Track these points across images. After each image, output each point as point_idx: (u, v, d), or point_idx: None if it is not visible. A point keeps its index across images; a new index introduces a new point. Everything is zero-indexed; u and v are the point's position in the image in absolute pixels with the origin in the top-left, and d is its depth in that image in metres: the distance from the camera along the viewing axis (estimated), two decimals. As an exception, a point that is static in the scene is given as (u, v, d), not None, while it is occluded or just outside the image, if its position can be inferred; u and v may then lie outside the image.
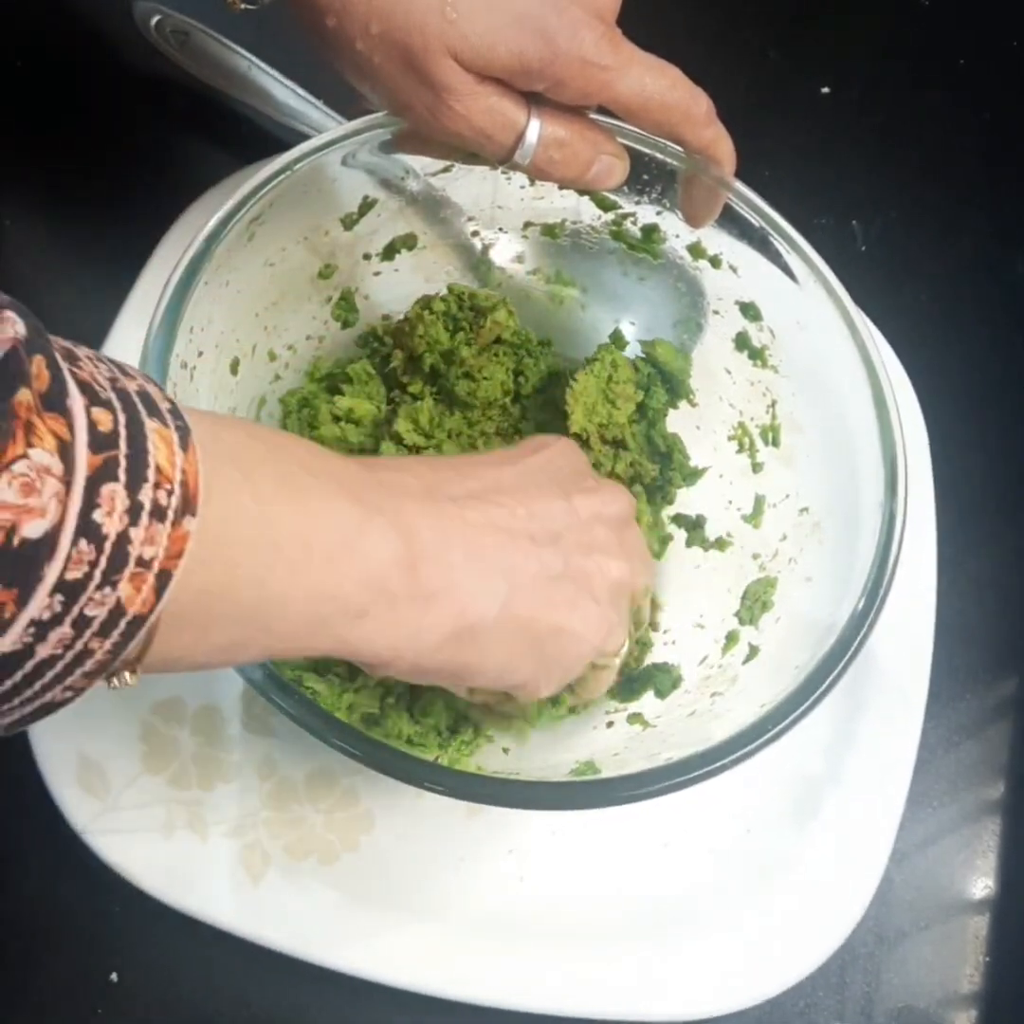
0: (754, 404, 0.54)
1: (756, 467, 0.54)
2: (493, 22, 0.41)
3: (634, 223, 0.53)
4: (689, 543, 0.55)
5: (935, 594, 0.57)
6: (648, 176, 0.50)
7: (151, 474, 0.26)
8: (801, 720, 0.42)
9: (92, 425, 0.26)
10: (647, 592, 0.45)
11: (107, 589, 0.26)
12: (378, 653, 0.34)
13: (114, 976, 0.49)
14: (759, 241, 0.50)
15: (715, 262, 0.52)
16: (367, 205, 0.51)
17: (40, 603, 0.25)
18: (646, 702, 0.50)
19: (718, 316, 0.54)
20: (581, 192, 0.51)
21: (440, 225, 0.54)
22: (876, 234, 0.70)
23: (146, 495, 0.26)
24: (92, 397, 0.26)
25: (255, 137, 0.65)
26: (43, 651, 0.26)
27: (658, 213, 0.52)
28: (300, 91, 0.63)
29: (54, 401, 0.25)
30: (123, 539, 0.26)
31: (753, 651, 0.48)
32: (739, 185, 0.49)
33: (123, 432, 0.26)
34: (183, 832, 0.48)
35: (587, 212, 0.53)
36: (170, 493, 0.27)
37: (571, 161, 0.45)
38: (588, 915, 0.50)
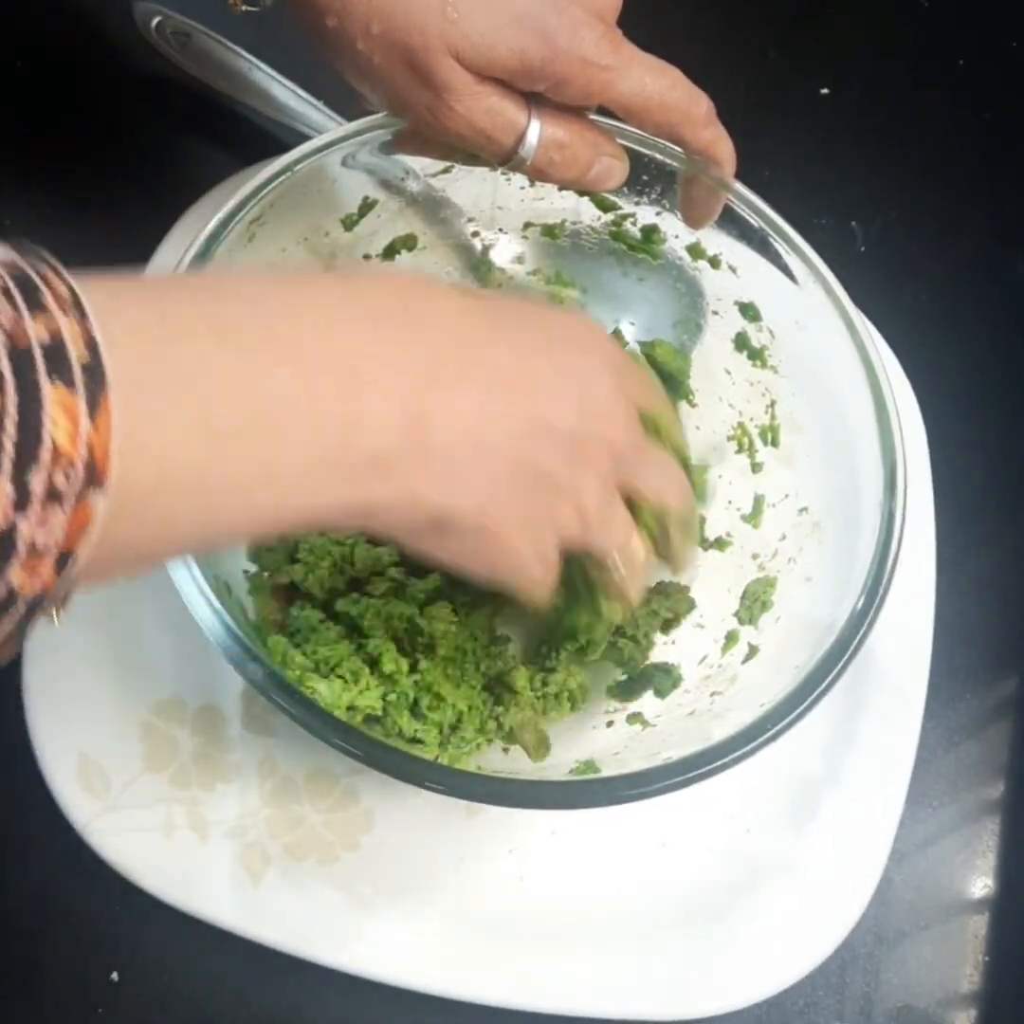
0: (753, 404, 0.54)
1: (755, 467, 0.54)
2: (494, 22, 0.41)
3: (634, 224, 0.53)
4: (689, 543, 0.55)
5: (935, 594, 0.57)
6: (648, 177, 0.50)
7: (44, 455, 0.24)
8: (800, 720, 0.42)
9: None
10: (688, 496, 0.42)
11: None
12: (371, 531, 0.34)
13: (114, 976, 0.49)
14: (758, 242, 0.50)
15: (714, 263, 0.52)
16: (367, 206, 0.51)
17: None
18: (646, 702, 0.50)
19: (717, 316, 0.54)
20: (581, 193, 0.51)
21: (440, 226, 0.54)
22: (876, 234, 0.70)
23: (38, 480, 0.24)
24: None
25: (255, 138, 0.65)
26: None
27: (658, 214, 0.52)
28: (300, 92, 0.63)
29: None
30: (9, 529, 0.24)
31: (752, 651, 0.49)
32: (739, 186, 0.49)
33: (12, 411, 0.24)
34: (183, 832, 0.48)
35: (587, 213, 0.53)
36: (69, 474, 0.25)
37: (571, 162, 0.45)
38: (588, 915, 0.50)
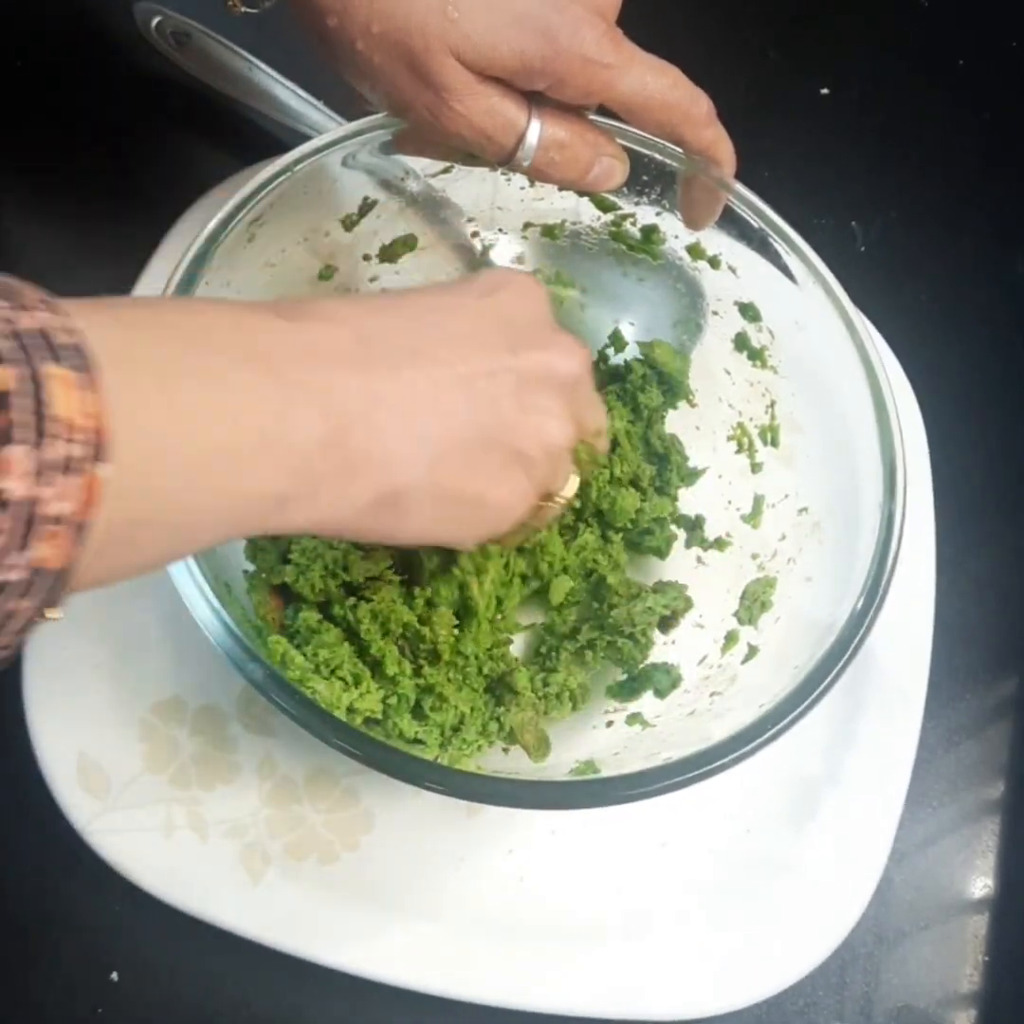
0: (753, 404, 0.54)
1: (755, 467, 0.54)
2: (494, 21, 0.41)
3: (633, 224, 0.53)
4: (688, 543, 0.55)
5: (934, 594, 0.57)
6: (648, 177, 0.50)
7: (54, 427, 0.25)
8: (800, 720, 0.42)
9: None
10: (599, 434, 0.44)
11: (21, 553, 0.25)
12: (300, 528, 0.34)
13: (114, 976, 0.49)
14: (758, 242, 0.50)
15: (714, 263, 0.52)
16: (367, 206, 0.51)
17: None
18: (645, 702, 0.50)
19: (717, 317, 0.54)
20: (581, 193, 0.51)
21: (440, 226, 0.54)
22: (876, 234, 0.70)
23: (52, 451, 0.25)
24: None
25: (255, 138, 0.65)
26: None
27: (658, 214, 0.52)
28: (300, 92, 0.63)
29: None
30: (32, 501, 0.25)
31: (752, 651, 0.49)
32: (739, 186, 0.49)
33: (20, 388, 0.25)
34: (183, 832, 0.48)
35: (587, 213, 0.53)
36: (77, 443, 0.26)
37: (571, 163, 0.45)
38: (588, 915, 0.50)
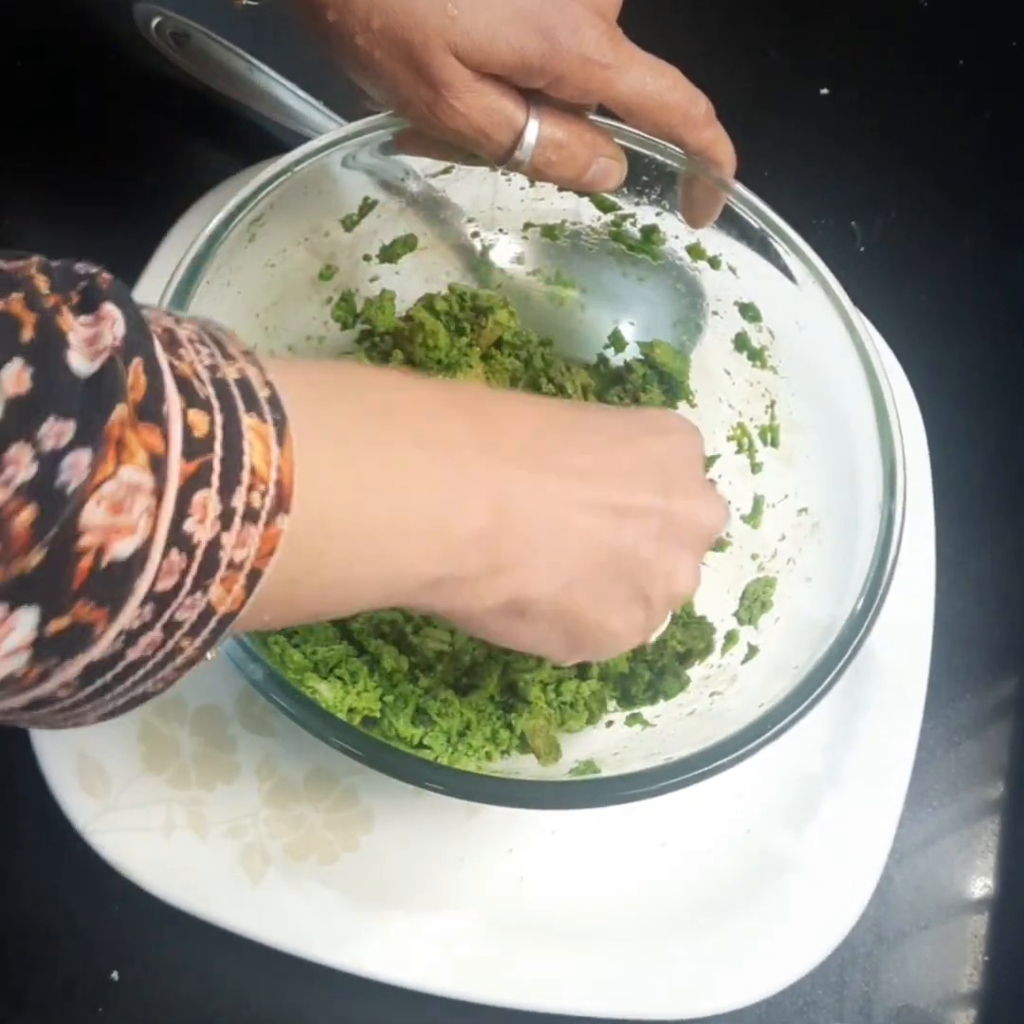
0: (753, 405, 0.54)
1: (755, 467, 0.54)
2: (494, 18, 0.41)
3: (633, 224, 0.53)
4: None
5: (934, 594, 0.57)
6: (647, 177, 0.50)
7: (246, 476, 0.26)
8: (800, 720, 0.42)
9: (187, 430, 0.25)
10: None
11: (198, 594, 0.26)
12: (434, 610, 0.35)
13: (114, 975, 0.49)
14: (758, 242, 0.50)
15: (714, 263, 0.52)
16: (367, 206, 0.51)
17: (130, 615, 0.25)
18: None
19: (717, 317, 0.54)
20: (580, 193, 0.51)
21: (440, 226, 0.54)
22: (876, 234, 0.70)
23: (239, 499, 0.26)
24: (190, 397, 0.25)
25: (255, 138, 0.65)
26: (133, 654, 0.26)
27: (657, 214, 0.52)
28: (300, 93, 0.63)
29: (150, 410, 0.24)
30: (214, 545, 0.25)
31: (752, 651, 0.49)
32: (738, 186, 0.49)
33: (219, 434, 0.26)
34: (183, 832, 0.48)
35: (587, 213, 0.53)
36: (264, 494, 0.26)
37: (569, 162, 0.45)
38: (588, 915, 0.50)
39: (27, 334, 0.23)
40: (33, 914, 0.50)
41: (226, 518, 0.26)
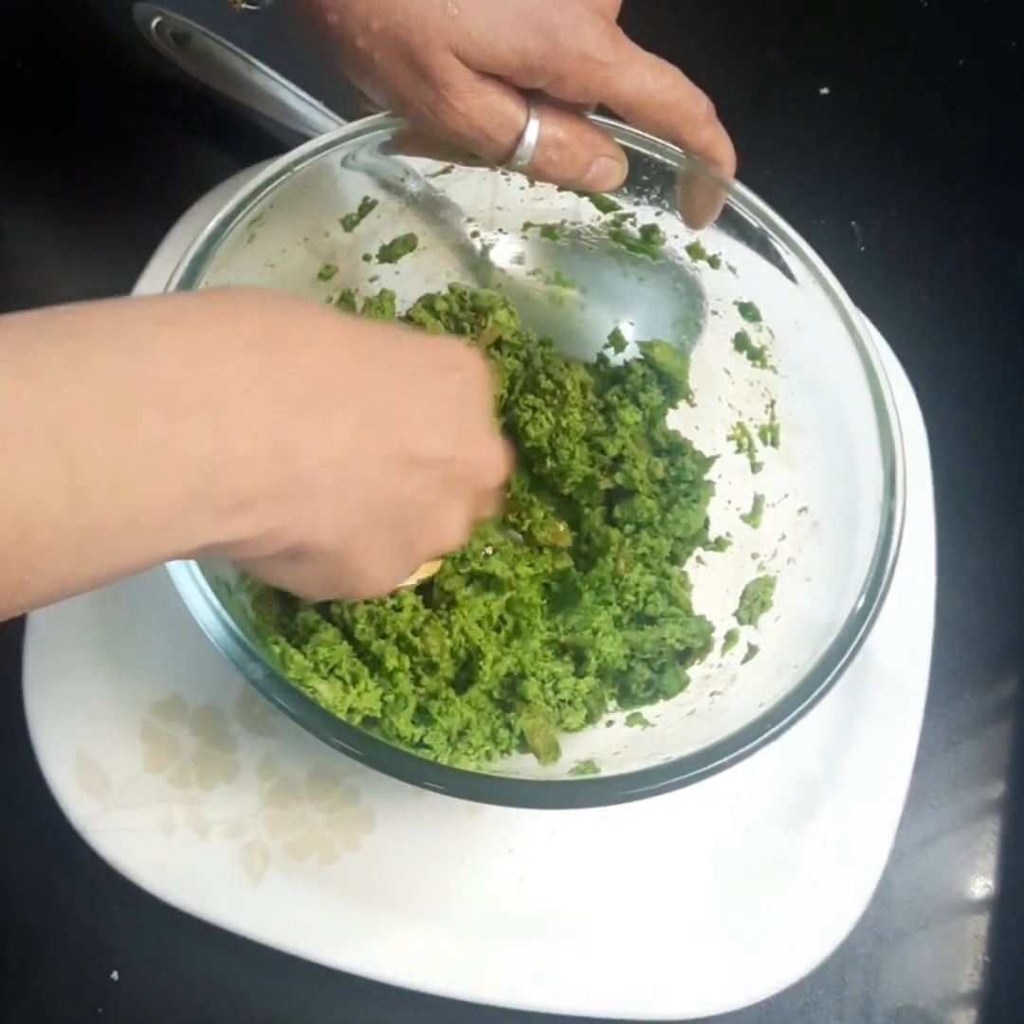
0: (753, 404, 0.54)
1: (755, 467, 0.54)
2: (495, 18, 0.41)
3: (633, 224, 0.53)
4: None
5: (934, 594, 0.57)
6: (647, 177, 0.50)
7: None
8: (800, 719, 0.42)
9: None
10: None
11: None
12: (219, 542, 0.33)
13: (114, 975, 0.49)
14: (758, 242, 0.50)
15: (714, 263, 0.52)
16: (367, 206, 0.51)
17: None
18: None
19: (717, 316, 0.54)
20: (580, 193, 0.51)
21: (440, 226, 0.54)
22: (876, 234, 0.70)
23: None
24: None
25: (255, 138, 0.65)
26: None
27: (657, 214, 0.52)
28: (300, 93, 0.63)
29: None
30: None
31: (752, 651, 0.49)
32: (738, 186, 0.49)
33: None
34: (183, 831, 0.48)
35: (586, 213, 0.53)
36: None
37: (569, 162, 0.45)
38: (588, 915, 0.50)
39: None
40: (33, 914, 0.50)
41: None
